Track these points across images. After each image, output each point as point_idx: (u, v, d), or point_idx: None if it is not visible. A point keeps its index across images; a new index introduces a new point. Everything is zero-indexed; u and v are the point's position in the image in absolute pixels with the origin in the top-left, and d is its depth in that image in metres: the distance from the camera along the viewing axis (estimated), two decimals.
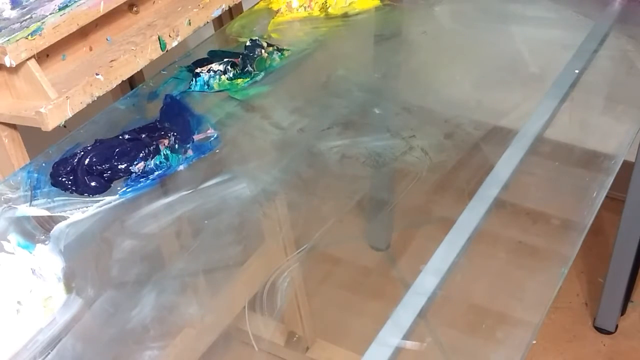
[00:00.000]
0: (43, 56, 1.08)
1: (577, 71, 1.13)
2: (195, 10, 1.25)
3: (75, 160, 0.99)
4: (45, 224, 0.92)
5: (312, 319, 0.85)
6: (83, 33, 1.14)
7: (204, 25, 1.28)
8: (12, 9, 1.08)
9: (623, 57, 1.18)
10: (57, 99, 1.04)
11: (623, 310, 1.77)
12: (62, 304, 0.83)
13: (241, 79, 1.18)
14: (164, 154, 1.02)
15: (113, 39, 1.19)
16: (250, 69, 1.19)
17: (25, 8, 1.09)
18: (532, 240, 0.89)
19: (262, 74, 1.20)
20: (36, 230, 0.92)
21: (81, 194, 0.98)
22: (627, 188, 1.51)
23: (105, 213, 0.96)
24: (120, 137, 1.04)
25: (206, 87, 1.17)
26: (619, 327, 1.76)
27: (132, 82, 1.39)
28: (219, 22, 1.49)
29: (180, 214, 0.96)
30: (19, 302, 0.81)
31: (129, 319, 0.82)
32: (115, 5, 1.16)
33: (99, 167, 0.99)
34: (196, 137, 1.06)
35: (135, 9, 1.23)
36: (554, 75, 1.13)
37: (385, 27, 1.35)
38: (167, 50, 1.21)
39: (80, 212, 0.95)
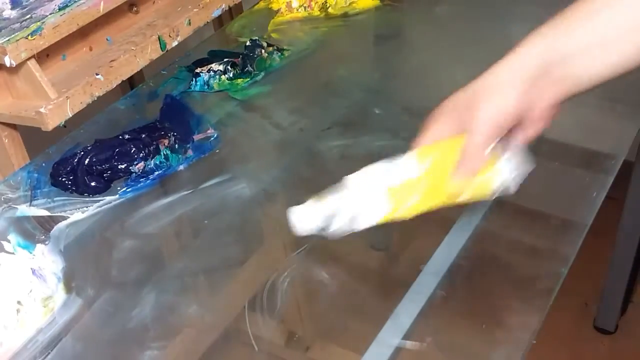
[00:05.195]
0: (43, 56, 1.08)
1: None
2: (195, 10, 1.25)
3: (75, 160, 0.99)
4: (45, 224, 0.92)
5: (312, 319, 0.85)
6: (83, 33, 1.14)
7: (204, 25, 1.28)
8: (12, 9, 1.08)
9: None
10: (57, 99, 1.04)
11: (623, 310, 1.77)
12: (62, 304, 0.83)
13: (241, 79, 1.18)
14: (164, 154, 1.02)
15: (113, 39, 1.19)
16: (250, 69, 1.19)
17: (25, 8, 1.09)
18: (532, 240, 0.89)
19: (262, 74, 1.19)
20: (36, 230, 0.91)
21: (81, 194, 0.98)
22: (627, 188, 1.52)
23: (105, 213, 0.96)
24: (120, 137, 1.04)
25: (206, 87, 1.17)
26: (619, 327, 1.76)
27: (132, 82, 1.39)
28: (219, 22, 1.49)
29: (180, 214, 0.96)
30: (19, 302, 0.81)
31: (129, 319, 0.82)
32: (115, 5, 1.16)
33: (99, 167, 0.99)
34: (196, 137, 1.06)
35: (135, 9, 1.23)
36: None
37: (385, 27, 1.35)
38: (167, 50, 1.21)
39: (80, 212, 0.95)
